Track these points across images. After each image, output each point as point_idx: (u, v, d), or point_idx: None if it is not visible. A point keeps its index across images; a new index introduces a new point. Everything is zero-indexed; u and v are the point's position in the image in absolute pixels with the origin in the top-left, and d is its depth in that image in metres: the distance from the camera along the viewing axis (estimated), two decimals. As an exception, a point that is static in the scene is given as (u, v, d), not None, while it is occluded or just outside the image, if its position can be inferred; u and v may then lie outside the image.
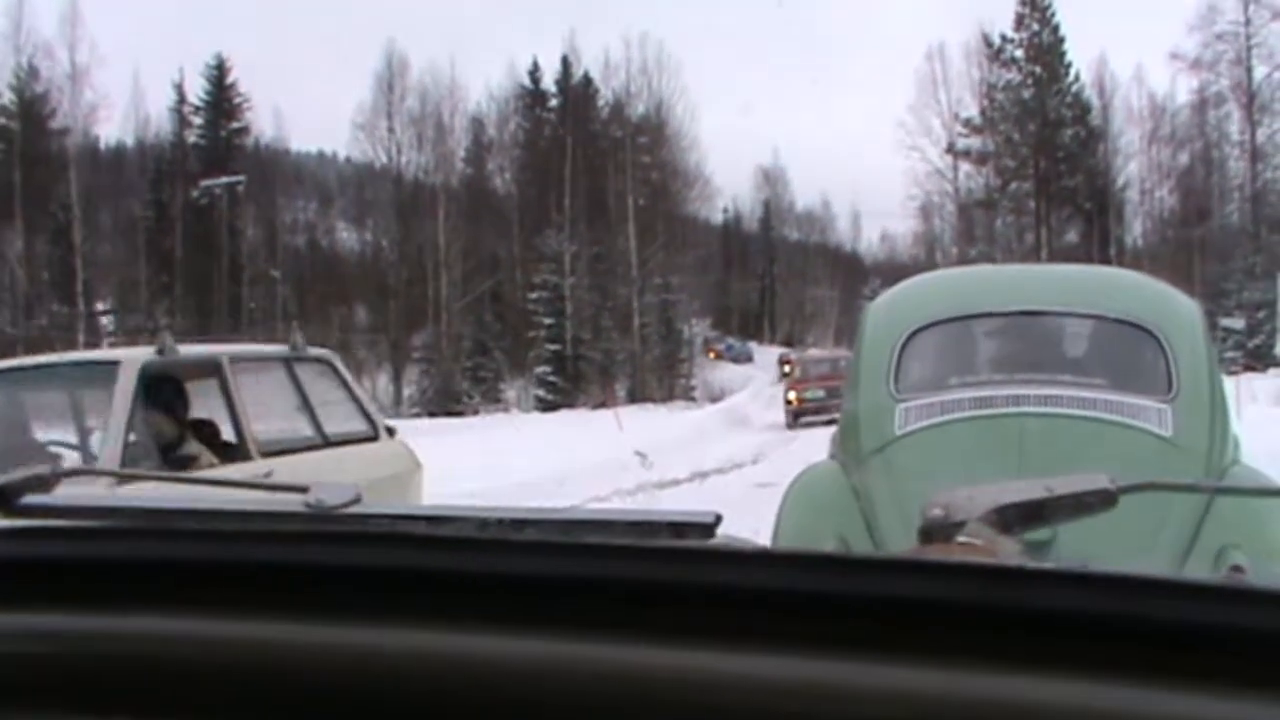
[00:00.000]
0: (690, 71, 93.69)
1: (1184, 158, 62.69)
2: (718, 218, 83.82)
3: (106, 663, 0.86)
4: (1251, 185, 57.60)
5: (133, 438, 6.39)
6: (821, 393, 32.64)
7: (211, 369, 7.27)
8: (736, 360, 70.98)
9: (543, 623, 0.80)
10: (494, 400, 54.16)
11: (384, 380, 57.66)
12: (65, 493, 1.33)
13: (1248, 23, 56.31)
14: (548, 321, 54.00)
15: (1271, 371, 36.08)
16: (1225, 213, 59.70)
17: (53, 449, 6.90)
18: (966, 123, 64.21)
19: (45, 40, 56.65)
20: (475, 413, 50.06)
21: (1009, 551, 1.28)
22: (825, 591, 0.79)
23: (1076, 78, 63.32)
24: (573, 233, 55.96)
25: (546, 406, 50.51)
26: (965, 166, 64.72)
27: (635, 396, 52.29)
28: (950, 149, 64.35)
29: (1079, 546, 2.89)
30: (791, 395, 35.38)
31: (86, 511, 1.25)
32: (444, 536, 1.00)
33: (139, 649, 0.86)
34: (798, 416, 34.03)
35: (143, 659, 0.85)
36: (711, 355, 69.41)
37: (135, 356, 6.79)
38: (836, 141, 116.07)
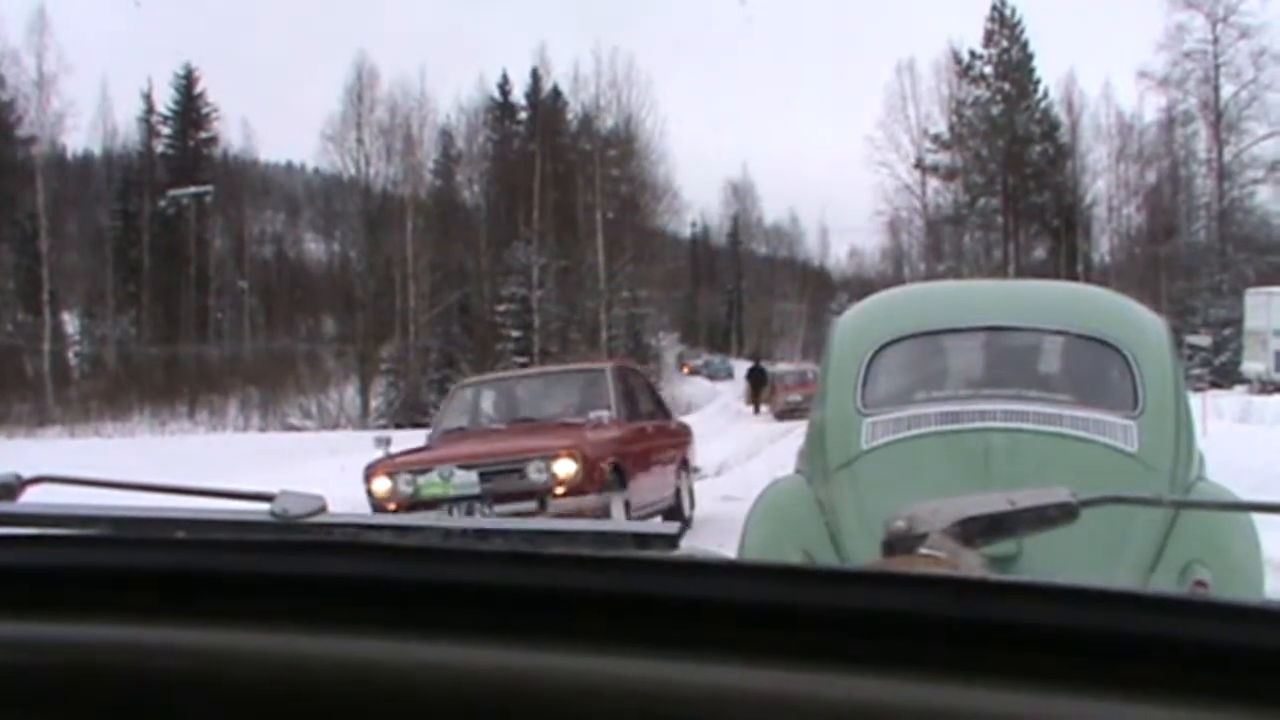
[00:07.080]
0: (659, 86, 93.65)
1: (1151, 175, 62.87)
2: (686, 232, 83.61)
3: (70, 672, 0.85)
4: (1218, 203, 57.81)
5: None
6: (474, 477, 11.47)
7: None
8: (715, 377, 67.35)
9: (507, 633, 0.80)
10: (461, 412, 53.76)
11: (350, 392, 57.35)
12: (30, 500, 1.32)
13: (1216, 41, 56.66)
14: (515, 334, 53.68)
15: (1237, 389, 36.23)
16: (1192, 230, 59.87)
17: None
18: (935, 139, 64.47)
19: (12, 48, 56.49)
20: (442, 425, 49.58)
21: (972, 564, 1.29)
22: (789, 603, 0.78)
23: (1045, 94, 63.67)
24: (541, 245, 55.66)
25: (514, 419, 50.04)
26: (934, 182, 65.01)
27: (603, 409, 51.91)
28: (919, 165, 64.59)
29: (1044, 561, 2.91)
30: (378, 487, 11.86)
31: (51, 519, 1.24)
32: (409, 546, 0.99)
33: (103, 659, 0.85)
34: None
35: (107, 668, 0.85)
36: (685, 370, 67.91)
37: None
38: (805, 157, 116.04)
